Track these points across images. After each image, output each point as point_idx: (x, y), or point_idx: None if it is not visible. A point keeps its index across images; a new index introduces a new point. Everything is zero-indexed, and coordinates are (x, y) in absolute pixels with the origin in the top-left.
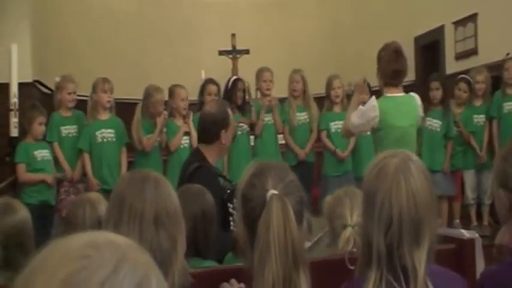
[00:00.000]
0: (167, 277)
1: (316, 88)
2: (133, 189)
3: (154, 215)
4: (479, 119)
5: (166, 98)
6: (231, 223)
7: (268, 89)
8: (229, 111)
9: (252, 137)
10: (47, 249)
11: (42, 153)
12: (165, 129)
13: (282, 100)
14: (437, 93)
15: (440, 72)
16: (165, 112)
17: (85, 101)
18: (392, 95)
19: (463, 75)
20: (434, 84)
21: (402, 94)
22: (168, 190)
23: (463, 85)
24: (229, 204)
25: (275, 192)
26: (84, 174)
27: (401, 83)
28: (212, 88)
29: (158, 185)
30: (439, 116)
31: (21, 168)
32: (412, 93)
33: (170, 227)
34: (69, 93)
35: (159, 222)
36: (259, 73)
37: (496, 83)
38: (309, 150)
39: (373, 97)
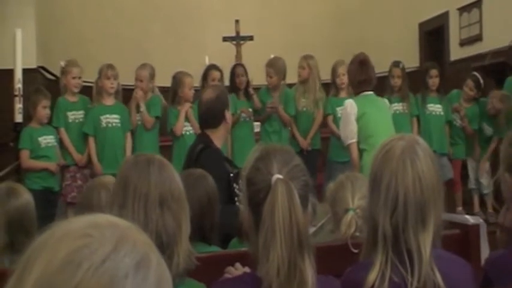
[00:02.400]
0: (173, 258)
1: (322, 73)
2: (138, 172)
3: (159, 197)
4: (487, 129)
5: (153, 75)
6: (237, 203)
7: (268, 83)
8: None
9: (255, 124)
10: (49, 230)
11: (47, 140)
12: (142, 109)
13: (290, 85)
14: (436, 80)
15: (445, 59)
16: (138, 91)
17: (90, 87)
18: (364, 93)
19: (474, 73)
20: (434, 71)
21: (372, 93)
22: (172, 173)
23: (470, 83)
24: (235, 185)
25: (280, 176)
26: (89, 160)
27: (371, 88)
28: (216, 74)
29: (162, 168)
30: (438, 101)
31: (24, 154)
32: (382, 98)
33: (175, 208)
34: (74, 78)
35: (164, 204)
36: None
37: (501, 69)
38: (311, 139)
39: (346, 101)
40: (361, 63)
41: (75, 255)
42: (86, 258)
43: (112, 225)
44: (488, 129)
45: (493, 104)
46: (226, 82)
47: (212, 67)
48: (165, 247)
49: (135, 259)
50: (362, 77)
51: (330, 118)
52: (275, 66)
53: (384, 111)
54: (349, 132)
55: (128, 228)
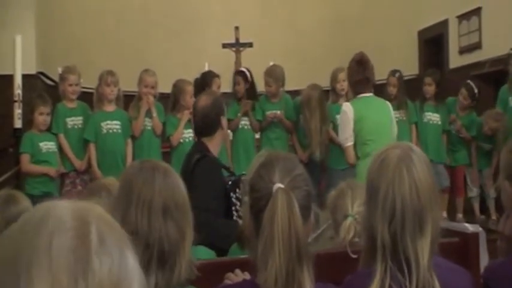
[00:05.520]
0: (174, 267)
1: (321, 80)
2: (142, 178)
3: (163, 205)
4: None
5: (155, 81)
6: (234, 213)
7: (267, 92)
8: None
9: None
10: (30, 230)
11: (48, 145)
12: (155, 114)
13: (289, 92)
14: (430, 88)
15: (444, 67)
16: (150, 96)
17: (90, 93)
18: (363, 95)
19: (468, 81)
20: (428, 79)
21: (372, 94)
22: (177, 180)
23: (464, 92)
24: (231, 194)
25: (281, 186)
26: (89, 165)
27: (369, 89)
28: (219, 81)
29: (167, 175)
30: (435, 110)
31: (25, 158)
32: (384, 100)
33: (178, 217)
34: (71, 85)
35: (168, 213)
36: None
37: (500, 77)
38: (309, 154)
39: (344, 104)
40: (358, 63)
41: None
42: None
43: (86, 221)
44: (486, 146)
45: (489, 124)
46: (224, 88)
47: (215, 75)
48: (167, 256)
49: (133, 257)
50: (358, 77)
51: (330, 126)
52: (274, 75)
53: (382, 113)
54: (348, 136)
55: (98, 217)
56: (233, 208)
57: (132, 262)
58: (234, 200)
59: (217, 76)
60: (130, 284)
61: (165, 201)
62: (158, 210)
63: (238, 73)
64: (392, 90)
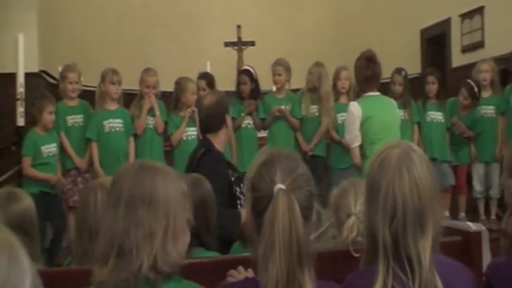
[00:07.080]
0: (135, 261)
1: None
2: (124, 174)
3: (130, 200)
4: (488, 110)
5: (157, 80)
6: (238, 206)
7: (276, 83)
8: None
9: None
10: None
11: (49, 149)
12: (157, 112)
13: (294, 91)
14: (433, 87)
15: (446, 66)
16: (152, 95)
17: (92, 92)
18: (370, 94)
19: (468, 81)
20: (430, 78)
21: (379, 93)
22: (161, 178)
23: (464, 92)
24: (236, 188)
25: (282, 187)
26: (91, 163)
27: (376, 87)
28: (200, 83)
29: (152, 172)
30: (438, 109)
31: (26, 161)
32: (390, 98)
33: (144, 214)
34: (70, 83)
35: (133, 208)
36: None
37: (504, 76)
38: (315, 145)
39: (350, 103)
40: (368, 59)
41: None
42: None
43: None
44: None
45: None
46: (226, 87)
47: (199, 76)
48: (127, 250)
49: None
50: (368, 72)
51: (330, 125)
52: (283, 64)
53: (390, 112)
54: (354, 137)
55: None
56: (238, 202)
57: (23, 262)
58: (238, 194)
59: (201, 78)
60: (24, 283)
61: (132, 196)
62: (125, 204)
63: (244, 72)
64: (398, 88)
